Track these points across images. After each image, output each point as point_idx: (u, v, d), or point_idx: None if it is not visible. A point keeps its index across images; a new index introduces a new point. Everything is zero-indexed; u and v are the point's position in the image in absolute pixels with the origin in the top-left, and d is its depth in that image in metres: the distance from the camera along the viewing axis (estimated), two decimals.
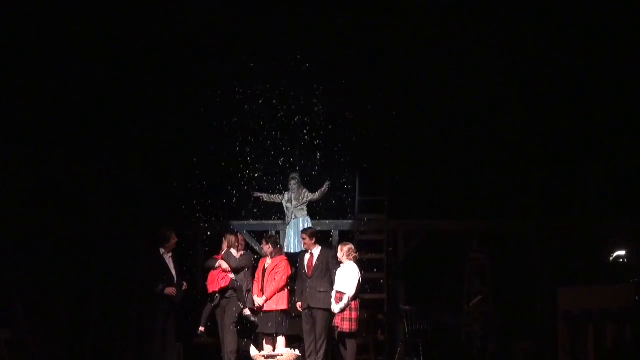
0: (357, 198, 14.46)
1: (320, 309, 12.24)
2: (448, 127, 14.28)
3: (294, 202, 13.93)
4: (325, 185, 14.04)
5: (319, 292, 12.27)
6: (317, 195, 14.04)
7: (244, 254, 12.91)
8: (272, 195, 14.06)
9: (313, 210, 14.32)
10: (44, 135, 12.84)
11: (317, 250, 12.52)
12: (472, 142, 14.27)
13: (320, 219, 14.28)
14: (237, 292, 12.67)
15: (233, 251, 12.81)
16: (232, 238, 12.88)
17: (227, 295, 12.72)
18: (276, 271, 12.55)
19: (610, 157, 14.04)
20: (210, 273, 12.90)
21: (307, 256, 12.56)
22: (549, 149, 14.25)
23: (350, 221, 14.49)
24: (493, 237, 14.35)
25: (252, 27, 13.50)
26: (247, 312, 12.65)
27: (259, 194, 14.06)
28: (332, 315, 12.07)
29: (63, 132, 12.99)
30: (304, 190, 14.02)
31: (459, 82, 13.92)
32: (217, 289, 12.74)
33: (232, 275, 12.73)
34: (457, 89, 13.98)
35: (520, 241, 14.30)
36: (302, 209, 13.93)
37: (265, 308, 12.47)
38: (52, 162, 12.89)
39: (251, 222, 14.39)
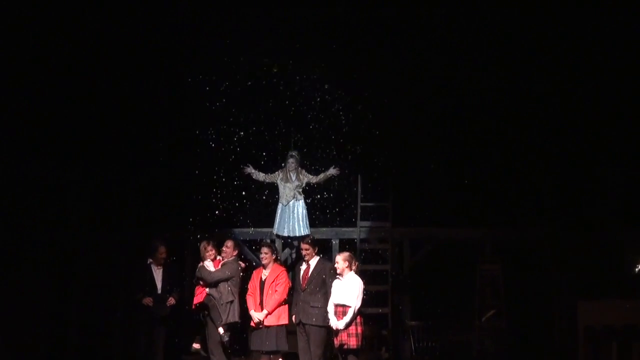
0: (359, 204, 14.07)
1: (312, 325, 11.86)
2: (458, 127, 14.18)
3: (294, 182, 13.49)
4: (330, 170, 13.55)
5: (312, 307, 11.88)
6: (318, 178, 13.56)
7: (225, 263, 12.38)
8: (268, 175, 13.63)
9: (311, 213, 13.87)
10: (19, 138, 12.96)
11: (314, 261, 12.13)
12: (483, 143, 14.16)
13: (319, 226, 13.94)
14: (211, 309, 12.26)
15: (207, 263, 12.41)
16: (202, 247, 12.54)
17: (207, 312, 12.46)
18: (277, 282, 12.14)
19: (636, 163, 13.96)
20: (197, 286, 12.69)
21: (303, 267, 12.18)
22: (568, 152, 14.14)
23: (351, 229, 14.11)
24: (506, 246, 14.12)
25: (251, 25, 13.50)
26: (220, 330, 12.18)
27: (251, 171, 13.61)
28: (328, 331, 11.75)
29: (40, 134, 13.07)
30: (303, 171, 13.58)
31: (471, 83, 13.88)
32: (193, 306, 12.56)
33: (207, 290, 12.37)
34: (469, 90, 13.95)
35: (536, 250, 14.11)
36: (300, 192, 13.47)
37: (266, 323, 12.04)
38: (28, 166, 13.08)
39: (244, 230, 14.07)
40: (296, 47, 13.59)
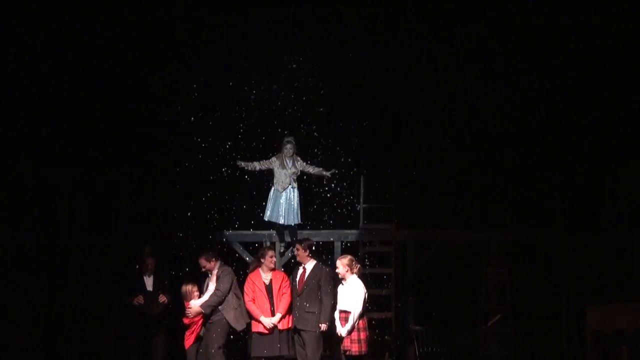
0: (361, 205, 13.91)
1: (308, 330, 11.74)
2: (464, 126, 14.07)
3: (291, 169, 13.31)
4: (330, 171, 13.38)
5: (307, 312, 11.74)
6: (314, 169, 13.38)
7: (222, 274, 12.05)
8: (263, 162, 13.41)
9: (309, 215, 13.77)
10: (9, 137, 12.85)
11: (310, 265, 11.93)
12: (490, 142, 14.06)
13: (320, 228, 13.74)
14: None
15: (195, 302, 12.00)
16: (186, 290, 12.14)
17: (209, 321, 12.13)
18: (283, 285, 12.00)
19: None
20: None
21: (299, 270, 12.02)
22: (577, 154, 14.10)
23: (354, 231, 13.94)
24: (513, 249, 14.03)
25: (251, 24, 13.47)
26: None
27: (244, 164, 13.38)
28: (324, 337, 11.65)
29: (30, 133, 12.94)
30: (299, 158, 13.43)
31: (479, 83, 13.86)
32: (192, 343, 12.15)
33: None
34: (477, 90, 13.91)
35: (544, 253, 14.01)
36: (295, 179, 13.30)
37: (280, 327, 11.86)
38: (18, 167, 12.98)
39: (244, 232, 13.87)
40: (298, 43, 13.39)
